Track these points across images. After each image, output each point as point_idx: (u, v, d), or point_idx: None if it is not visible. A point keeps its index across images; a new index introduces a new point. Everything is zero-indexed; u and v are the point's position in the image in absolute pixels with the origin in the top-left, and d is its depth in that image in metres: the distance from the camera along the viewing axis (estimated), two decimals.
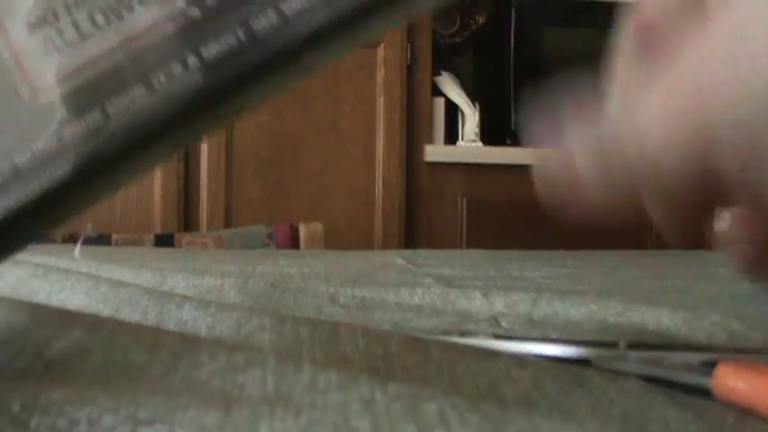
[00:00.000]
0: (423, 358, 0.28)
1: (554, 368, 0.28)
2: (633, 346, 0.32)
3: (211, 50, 0.27)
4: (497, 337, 0.38)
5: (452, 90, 2.31)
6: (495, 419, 0.20)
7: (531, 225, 2.04)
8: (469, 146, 2.26)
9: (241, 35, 0.27)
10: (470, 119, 2.28)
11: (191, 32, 0.27)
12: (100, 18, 0.27)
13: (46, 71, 0.27)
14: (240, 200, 2.11)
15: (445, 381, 0.26)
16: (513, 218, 2.09)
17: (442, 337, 0.37)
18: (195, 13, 0.27)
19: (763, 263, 0.25)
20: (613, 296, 0.51)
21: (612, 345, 0.33)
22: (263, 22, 0.27)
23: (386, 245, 2.11)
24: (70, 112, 0.27)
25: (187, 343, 0.23)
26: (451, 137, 2.28)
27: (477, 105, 2.29)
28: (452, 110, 2.30)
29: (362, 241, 2.09)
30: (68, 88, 0.27)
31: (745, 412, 0.25)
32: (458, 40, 2.38)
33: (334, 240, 1.82)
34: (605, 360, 0.31)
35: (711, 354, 0.31)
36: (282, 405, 0.20)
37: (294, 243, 1.72)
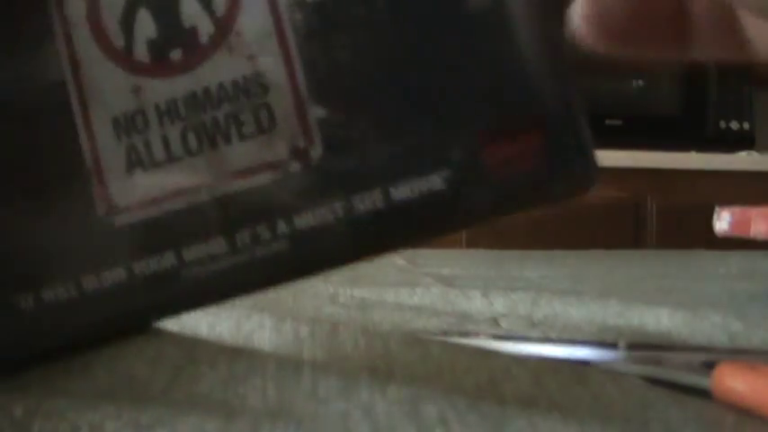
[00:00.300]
0: (423, 355, 0.28)
1: (554, 365, 0.28)
2: (633, 346, 0.32)
3: (304, 221, 0.24)
4: (497, 337, 0.38)
5: None
6: (495, 419, 0.20)
7: (531, 225, 2.04)
8: None
9: (339, 210, 0.24)
10: None
11: (287, 192, 0.24)
12: (192, 140, 0.24)
13: (126, 190, 0.24)
14: None
15: (445, 378, 0.26)
16: (514, 218, 2.09)
17: (441, 338, 0.37)
18: (296, 168, 0.24)
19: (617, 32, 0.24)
20: (613, 296, 0.51)
21: (612, 345, 0.33)
22: (367, 202, 0.24)
23: None
24: (144, 246, 0.24)
25: (188, 353, 0.23)
26: None
27: None
28: None
29: None
30: (147, 217, 0.24)
31: (744, 413, 0.25)
32: None
33: None
34: (605, 361, 0.31)
35: (711, 354, 0.31)
36: (284, 416, 0.20)
37: None
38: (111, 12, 0.25)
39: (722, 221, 0.67)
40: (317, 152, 0.24)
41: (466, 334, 0.40)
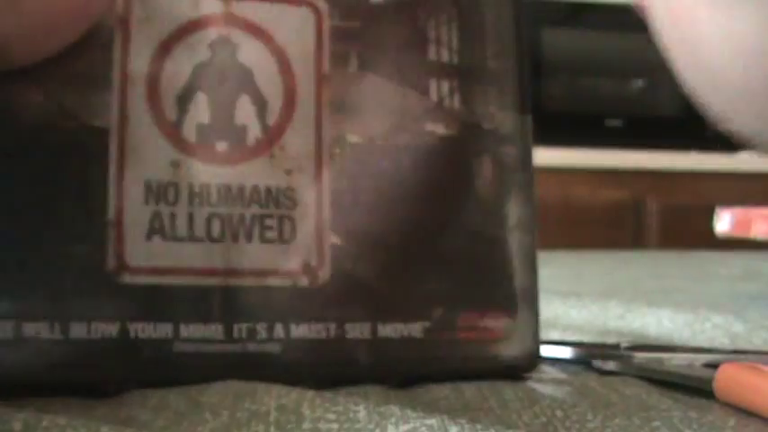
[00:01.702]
0: None
1: (555, 357, 0.28)
2: (634, 348, 0.32)
3: (300, 331, 0.26)
4: None
5: None
6: None
7: None
8: None
9: (332, 332, 0.26)
10: None
11: (291, 301, 0.26)
12: (216, 228, 0.25)
13: (141, 253, 0.25)
14: None
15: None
16: None
17: None
18: (304, 283, 0.26)
19: None
20: (614, 298, 0.51)
21: (614, 347, 0.33)
22: (357, 331, 0.26)
23: None
24: (144, 310, 0.25)
25: (191, 401, 0.23)
26: None
27: None
28: None
29: None
30: (154, 284, 0.25)
31: (746, 414, 0.25)
32: None
33: None
34: (606, 362, 0.31)
35: (713, 355, 0.31)
36: None
37: None
38: (172, 84, 0.26)
39: (723, 222, 0.67)
40: (325, 274, 0.26)
41: None
